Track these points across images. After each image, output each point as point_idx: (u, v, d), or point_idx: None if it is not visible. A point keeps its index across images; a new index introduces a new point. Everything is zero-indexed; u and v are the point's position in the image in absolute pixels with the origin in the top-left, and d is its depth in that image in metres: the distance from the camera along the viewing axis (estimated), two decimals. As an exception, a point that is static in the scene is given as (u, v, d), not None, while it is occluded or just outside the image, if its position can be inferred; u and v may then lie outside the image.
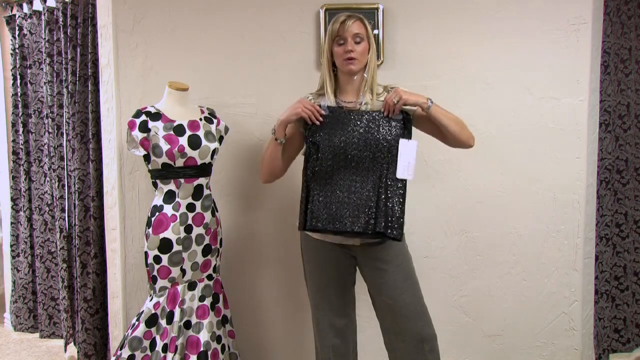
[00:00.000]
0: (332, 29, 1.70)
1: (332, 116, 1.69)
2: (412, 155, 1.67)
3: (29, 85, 2.90)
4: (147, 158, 1.93)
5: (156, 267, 1.91)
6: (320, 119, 1.68)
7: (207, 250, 2.02)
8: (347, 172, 1.66)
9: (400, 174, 1.67)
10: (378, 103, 1.74)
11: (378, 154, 1.65)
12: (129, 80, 2.36)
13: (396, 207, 1.65)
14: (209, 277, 2.06)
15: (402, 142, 1.67)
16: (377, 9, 2.21)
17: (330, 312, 1.81)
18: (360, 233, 1.66)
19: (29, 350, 2.86)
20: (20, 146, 2.93)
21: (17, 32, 2.87)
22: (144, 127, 1.90)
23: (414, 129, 1.75)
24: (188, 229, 1.94)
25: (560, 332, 2.31)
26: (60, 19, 2.58)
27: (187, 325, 1.99)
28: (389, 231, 1.64)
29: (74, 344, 2.70)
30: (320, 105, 1.71)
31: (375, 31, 2.18)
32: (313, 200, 1.66)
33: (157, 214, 1.92)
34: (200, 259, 2.00)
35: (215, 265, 2.08)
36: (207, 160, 1.98)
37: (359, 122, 1.67)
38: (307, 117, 1.68)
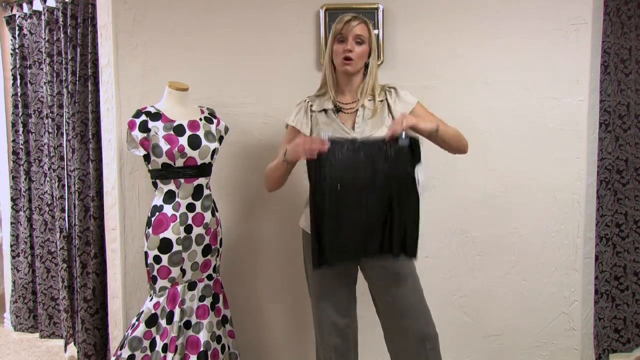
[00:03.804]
0: (336, 27, 1.72)
1: (334, 145, 1.58)
2: (421, 176, 1.64)
3: (29, 85, 2.90)
4: (147, 158, 1.93)
5: (156, 267, 1.91)
6: (325, 148, 1.56)
7: (207, 250, 2.02)
8: (357, 197, 1.58)
9: None
10: (379, 105, 1.74)
11: (386, 180, 1.59)
12: (129, 80, 2.36)
13: (410, 225, 1.60)
14: (209, 277, 2.06)
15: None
16: (377, 9, 2.21)
17: (332, 311, 1.81)
18: (374, 253, 1.64)
19: (29, 350, 2.86)
20: (20, 146, 2.93)
21: (17, 32, 2.87)
22: (144, 127, 1.90)
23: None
24: (188, 229, 1.94)
25: (560, 332, 2.31)
26: (60, 19, 2.58)
27: (187, 325, 1.99)
28: (404, 250, 1.62)
29: (74, 344, 2.70)
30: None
31: (375, 31, 2.18)
32: (327, 233, 1.58)
33: (157, 214, 1.92)
34: (200, 259, 2.00)
35: (215, 265, 2.08)
36: (207, 160, 1.98)
37: (364, 150, 1.59)
38: (310, 155, 1.58)
